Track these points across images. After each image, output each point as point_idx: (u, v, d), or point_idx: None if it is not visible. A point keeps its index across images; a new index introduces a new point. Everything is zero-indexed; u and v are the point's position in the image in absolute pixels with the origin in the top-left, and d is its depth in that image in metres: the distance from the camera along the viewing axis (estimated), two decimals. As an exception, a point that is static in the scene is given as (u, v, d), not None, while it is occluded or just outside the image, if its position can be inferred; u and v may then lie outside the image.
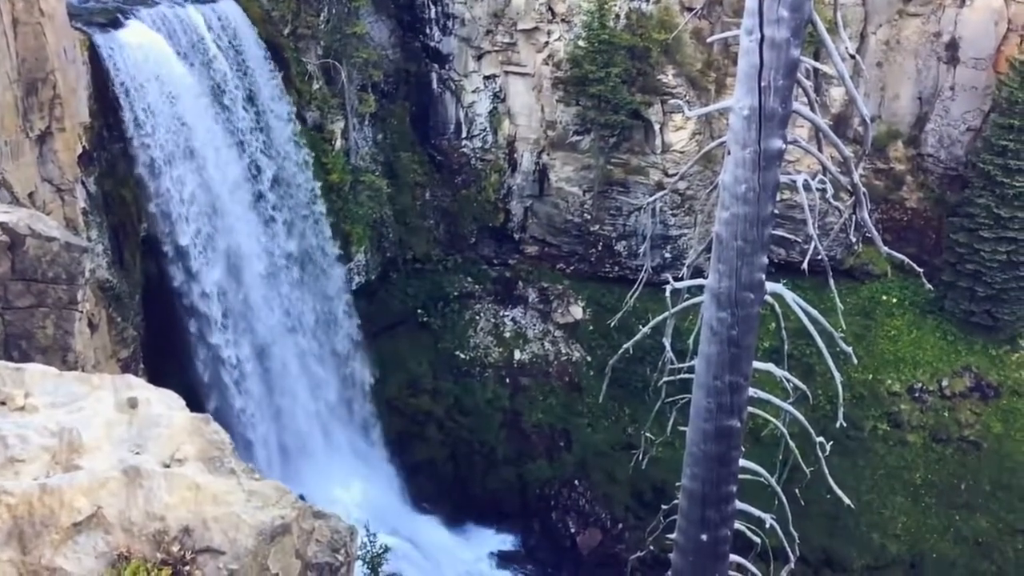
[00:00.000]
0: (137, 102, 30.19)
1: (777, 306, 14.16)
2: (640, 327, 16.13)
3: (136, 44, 30.15)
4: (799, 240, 41.32)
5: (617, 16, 43.29)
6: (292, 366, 39.48)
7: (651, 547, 18.31)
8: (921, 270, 14.93)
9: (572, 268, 49.20)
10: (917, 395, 45.29)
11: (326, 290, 41.40)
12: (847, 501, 16.10)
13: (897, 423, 44.86)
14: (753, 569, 16.25)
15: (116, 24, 29.76)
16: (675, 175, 44.14)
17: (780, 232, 14.51)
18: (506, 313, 48.14)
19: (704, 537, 14.74)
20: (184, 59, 32.40)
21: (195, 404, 11.11)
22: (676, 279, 14.77)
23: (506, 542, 43.41)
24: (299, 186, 39.04)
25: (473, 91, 46.84)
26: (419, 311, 47.18)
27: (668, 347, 15.52)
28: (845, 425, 16.57)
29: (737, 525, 15.40)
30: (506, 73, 46.32)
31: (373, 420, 43.65)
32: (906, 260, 14.62)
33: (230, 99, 34.86)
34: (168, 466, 9.40)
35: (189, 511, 8.93)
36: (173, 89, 31.70)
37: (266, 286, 37.75)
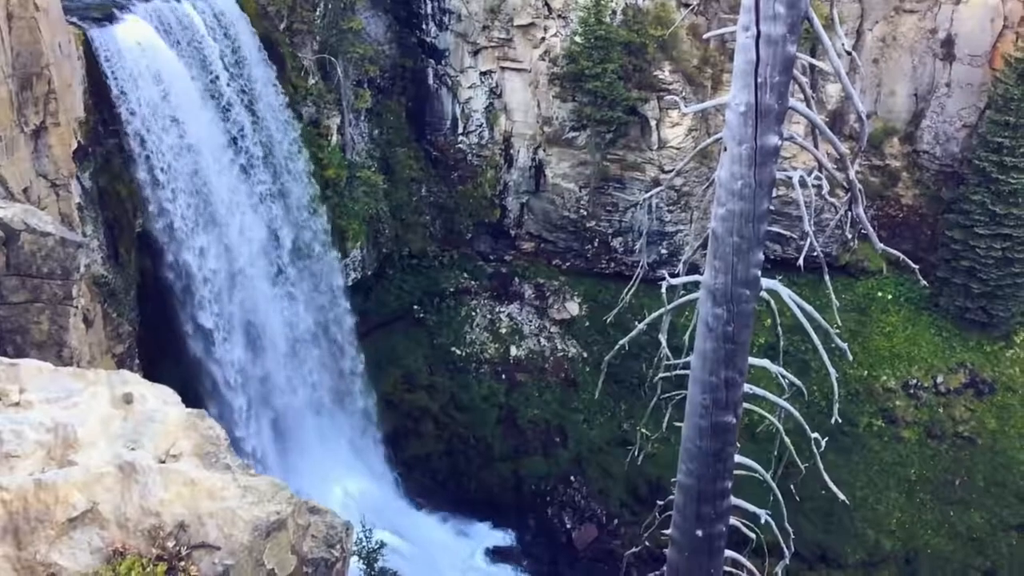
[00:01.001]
0: (156, 158, 29.38)
1: (773, 302, 14.19)
2: (636, 323, 16.17)
3: (150, 72, 29.16)
4: (795, 236, 41.49)
5: (613, 12, 43.26)
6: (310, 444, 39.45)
7: (647, 543, 18.35)
8: (916, 267, 15.00)
9: (568, 264, 49.21)
10: (912, 391, 45.40)
11: (342, 367, 41.51)
12: (842, 497, 16.13)
13: (892, 419, 44.96)
14: (748, 564, 16.29)
15: (112, 19, 29.53)
16: (671, 171, 44.10)
17: (776, 228, 14.56)
18: (502, 309, 48.14)
19: (699, 533, 14.77)
20: (205, 99, 31.27)
21: (191, 400, 11.10)
22: (672, 275, 14.78)
23: (501, 538, 43.43)
24: (317, 256, 38.90)
25: (469, 87, 46.79)
26: (415, 307, 47.17)
27: (664, 343, 15.54)
28: (840, 421, 16.63)
29: (732, 520, 15.44)
30: (502, 69, 46.26)
31: (369, 416, 43.68)
32: (901, 256, 14.67)
33: (246, 157, 33.80)
34: (163, 461, 9.40)
35: (184, 506, 8.93)
36: (194, 140, 30.64)
37: (289, 365, 37.53)
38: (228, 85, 32.87)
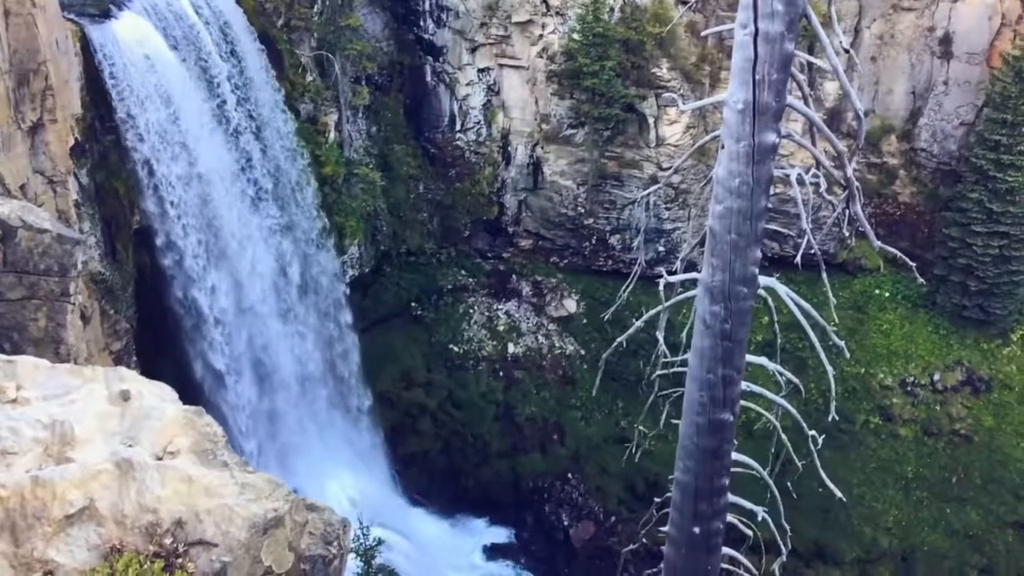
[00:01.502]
0: (164, 189, 28.79)
1: (770, 300, 14.20)
2: (633, 321, 16.16)
3: (159, 93, 28.42)
4: (792, 234, 41.60)
5: (611, 9, 43.24)
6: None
7: (644, 540, 18.38)
8: (913, 264, 15.02)
9: (566, 261, 49.21)
10: (909, 389, 45.46)
11: (348, 403, 41.34)
12: (839, 494, 16.15)
13: (889, 417, 45.02)
14: (745, 562, 16.31)
15: (109, 15, 29.35)
16: (669, 169, 44.12)
17: (773, 226, 14.56)
18: (500, 306, 48.13)
19: (696, 530, 14.79)
20: (213, 123, 30.41)
21: (189, 398, 11.09)
22: (670, 273, 14.78)
23: (499, 535, 43.45)
24: (324, 294, 38.69)
25: (467, 84, 46.75)
26: (413, 304, 47.15)
27: (661, 341, 15.53)
28: (837, 418, 16.65)
29: (729, 518, 15.46)
30: (500, 66, 46.23)
31: (367, 413, 43.64)
32: (899, 254, 14.69)
33: (255, 188, 32.91)
34: (161, 459, 9.40)
35: (182, 503, 8.94)
36: (204, 169, 29.82)
37: (300, 404, 37.32)
38: (236, 109, 32.01)
